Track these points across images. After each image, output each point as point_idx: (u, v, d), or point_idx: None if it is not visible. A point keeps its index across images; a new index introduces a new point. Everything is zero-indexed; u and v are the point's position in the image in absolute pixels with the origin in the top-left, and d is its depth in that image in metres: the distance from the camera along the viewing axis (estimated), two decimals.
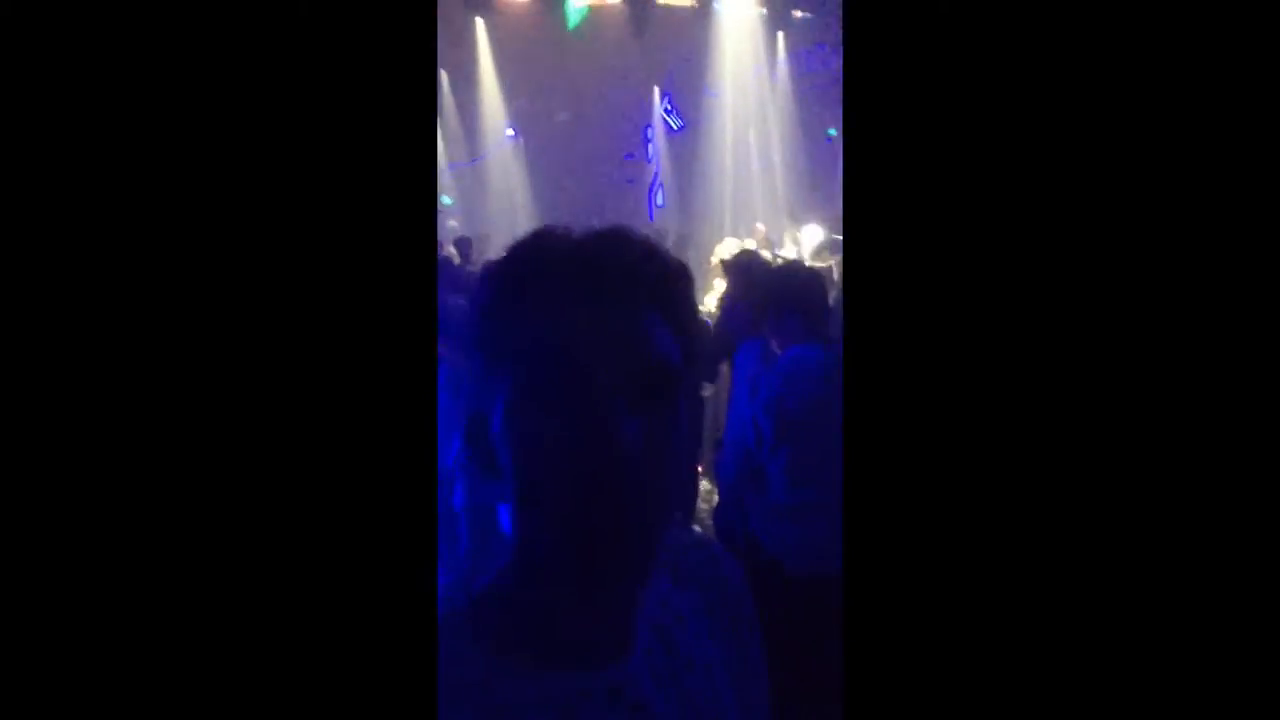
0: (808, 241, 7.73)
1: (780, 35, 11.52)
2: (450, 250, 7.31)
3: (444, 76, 10.20)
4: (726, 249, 5.91)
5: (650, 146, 10.09)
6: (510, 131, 12.14)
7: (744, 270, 3.64)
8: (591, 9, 10.35)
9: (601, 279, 0.60)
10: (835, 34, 11.63)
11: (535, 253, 0.63)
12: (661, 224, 8.97)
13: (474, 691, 0.62)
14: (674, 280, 0.64)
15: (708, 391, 3.97)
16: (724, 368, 3.62)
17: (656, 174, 9.58)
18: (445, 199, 11.83)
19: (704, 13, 10.23)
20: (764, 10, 11.02)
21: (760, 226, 8.48)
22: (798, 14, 11.40)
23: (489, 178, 11.50)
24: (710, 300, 5.25)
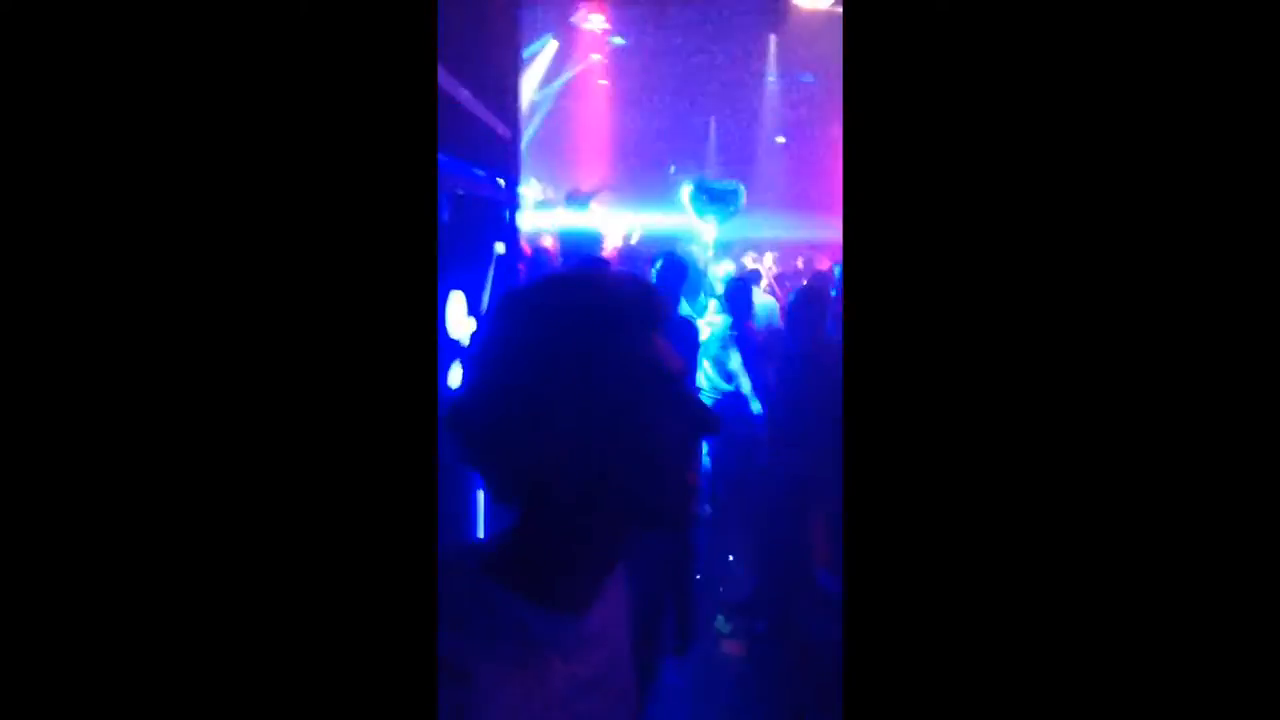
0: None
1: None
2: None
3: None
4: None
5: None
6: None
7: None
8: None
9: (603, 307, 0.74)
10: None
11: (545, 295, 0.76)
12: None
13: (512, 630, 0.74)
14: (655, 300, 0.77)
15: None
16: None
17: None
18: None
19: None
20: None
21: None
22: None
23: None
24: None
